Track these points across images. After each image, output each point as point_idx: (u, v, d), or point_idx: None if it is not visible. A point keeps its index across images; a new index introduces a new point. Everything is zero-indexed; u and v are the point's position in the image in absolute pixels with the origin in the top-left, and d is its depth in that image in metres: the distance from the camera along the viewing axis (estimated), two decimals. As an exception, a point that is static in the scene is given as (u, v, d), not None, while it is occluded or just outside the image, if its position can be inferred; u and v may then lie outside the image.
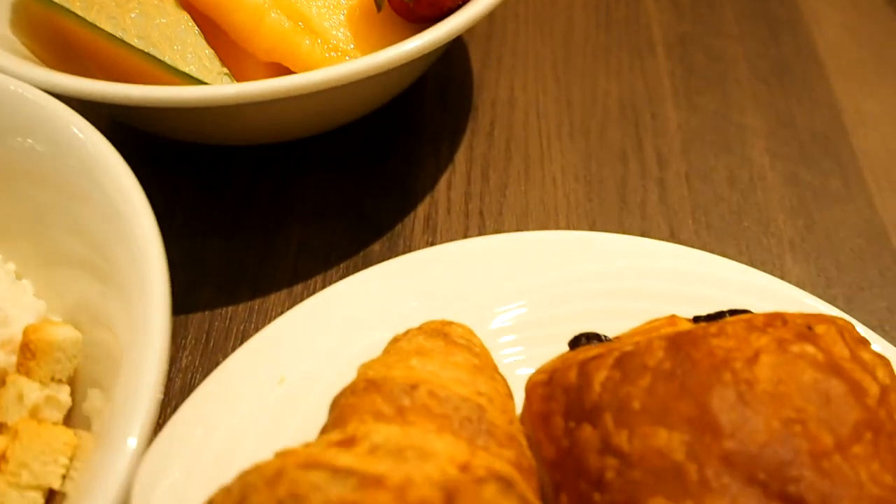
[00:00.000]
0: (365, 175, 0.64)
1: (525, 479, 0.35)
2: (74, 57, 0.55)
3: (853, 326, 0.39)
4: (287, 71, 0.55)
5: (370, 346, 0.46)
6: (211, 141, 0.60)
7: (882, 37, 0.81)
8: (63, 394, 0.41)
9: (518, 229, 0.61)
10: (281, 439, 0.42)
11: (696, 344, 0.37)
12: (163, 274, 0.38)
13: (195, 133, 0.58)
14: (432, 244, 0.59)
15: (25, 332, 0.41)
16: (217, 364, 0.46)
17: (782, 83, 0.75)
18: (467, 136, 0.68)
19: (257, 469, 0.32)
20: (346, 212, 0.61)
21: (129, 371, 0.36)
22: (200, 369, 0.51)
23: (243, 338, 0.53)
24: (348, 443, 0.33)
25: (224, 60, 0.54)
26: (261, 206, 0.61)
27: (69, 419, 0.42)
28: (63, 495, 0.38)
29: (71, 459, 0.39)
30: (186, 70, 0.52)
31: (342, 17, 0.57)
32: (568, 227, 0.61)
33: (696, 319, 0.43)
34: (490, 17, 0.80)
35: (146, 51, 0.52)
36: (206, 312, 0.54)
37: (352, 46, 0.56)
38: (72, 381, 0.42)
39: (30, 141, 0.44)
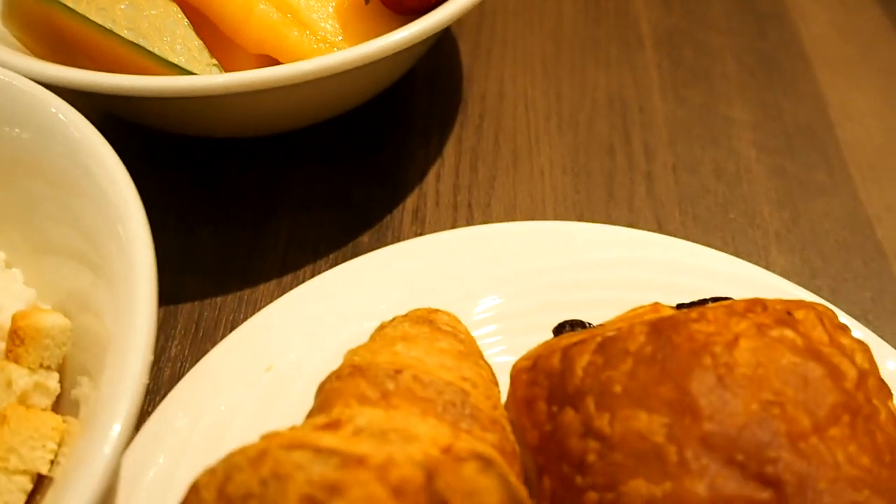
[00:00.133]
0: (354, 167, 0.64)
1: (508, 463, 0.35)
2: (66, 49, 0.55)
3: (833, 313, 0.39)
4: (276, 63, 0.55)
5: (357, 334, 0.46)
6: (201, 133, 0.60)
7: (868, 32, 0.82)
8: (52, 380, 0.41)
9: (506, 221, 0.61)
10: (268, 425, 0.42)
11: (677, 329, 0.37)
12: (149, 261, 0.38)
13: (185, 125, 0.59)
14: (421, 235, 0.59)
15: (14, 319, 0.41)
16: (206, 353, 0.46)
17: (769, 77, 0.76)
18: (456, 128, 0.68)
19: (242, 450, 0.32)
20: (335, 204, 0.62)
21: (115, 358, 0.36)
22: (190, 358, 0.52)
23: (232, 328, 0.53)
24: (333, 426, 0.34)
25: (213, 52, 0.55)
26: (250, 198, 0.62)
27: (58, 406, 0.42)
28: (51, 480, 0.39)
29: (59, 445, 0.39)
30: (176, 61, 0.52)
31: (330, 10, 0.57)
32: (555, 219, 0.62)
33: (680, 307, 0.43)
34: (480, 10, 0.80)
35: (136, 42, 0.53)
36: (196, 302, 0.55)
37: (340, 38, 0.56)
38: (61, 369, 0.43)
39: (17, 130, 0.44)
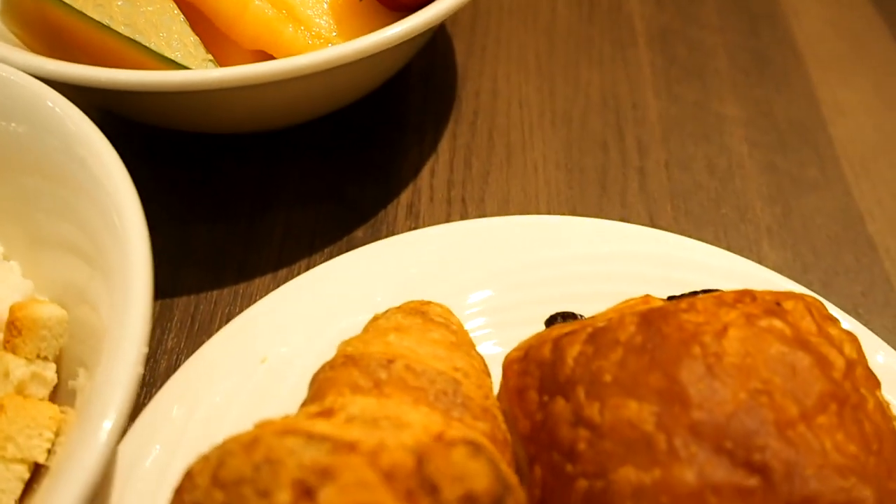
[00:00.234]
0: (349, 163, 0.65)
1: (499, 452, 0.35)
2: (63, 46, 0.55)
3: (822, 304, 0.40)
4: (271, 59, 0.55)
5: (351, 326, 0.47)
6: (197, 129, 0.61)
7: (860, 29, 0.82)
8: (49, 371, 0.42)
9: (499, 216, 0.61)
10: (262, 416, 0.42)
11: (667, 319, 0.38)
12: (145, 253, 0.38)
13: (182, 121, 0.59)
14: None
15: (12, 310, 0.41)
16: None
17: (761, 74, 0.76)
18: (450, 125, 0.69)
19: (235, 438, 0.32)
20: (330, 199, 0.62)
21: (110, 349, 0.36)
22: (186, 351, 0.52)
23: (228, 321, 0.53)
24: (326, 414, 0.34)
25: (209, 48, 0.55)
26: (246, 194, 0.62)
27: (56, 397, 0.43)
28: (47, 469, 0.39)
29: (56, 434, 0.40)
30: (172, 56, 0.53)
31: (325, 6, 0.58)
32: (549, 214, 0.62)
33: (670, 299, 0.43)
34: (474, 9, 0.81)
35: (132, 38, 0.53)
36: (192, 296, 0.55)
37: (335, 34, 0.57)
38: (58, 360, 0.43)
39: (13, 125, 0.45)
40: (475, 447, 0.31)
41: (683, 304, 0.39)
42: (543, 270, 0.51)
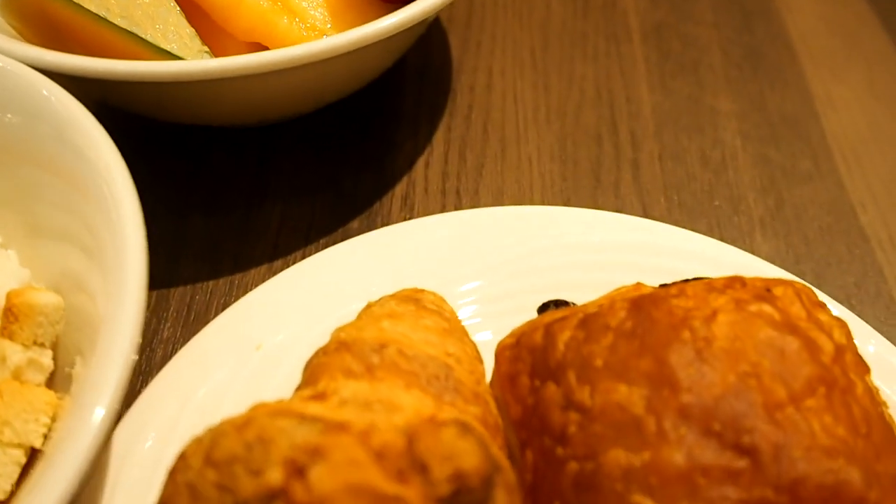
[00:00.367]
0: (345, 155, 0.65)
1: (490, 436, 0.36)
2: (60, 38, 0.56)
3: (811, 290, 0.40)
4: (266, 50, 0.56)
5: (346, 314, 0.47)
6: (194, 121, 0.61)
7: (853, 25, 0.83)
8: (45, 357, 0.42)
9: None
10: (257, 401, 0.43)
11: (657, 304, 0.38)
12: (140, 242, 0.38)
13: (178, 112, 0.59)
14: (409, 221, 0.60)
15: (8, 297, 0.42)
16: (197, 334, 0.47)
17: (755, 69, 0.77)
18: (445, 118, 0.69)
19: (228, 420, 0.33)
20: (325, 190, 0.62)
21: (105, 337, 0.36)
22: (181, 340, 0.52)
23: (224, 310, 0.54)
24: (319, 397, 0.34)
25: (205, 40, 0.55)
26: (242, 185, 0.63)
27: (52, 384, 0.43)
28: (43, 454, 0.40)
29: (53, 420, 0.40)
30: (168, 48, 0.53)
31: (320, -2, 0.58)
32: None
33: (662, 287, 0.44)
34: (470, 4, 0.81)
35: (129, 30, 0.53)
36: (188, 286, 0.55)
37: (329, 26, 0.57)
38: (55, 348, 0.43)
39: (9, 115, 0.45)
40: (464, 427, 0.31)
41: (673, 290, 0.39)
42: (536, 259, 0.52)
